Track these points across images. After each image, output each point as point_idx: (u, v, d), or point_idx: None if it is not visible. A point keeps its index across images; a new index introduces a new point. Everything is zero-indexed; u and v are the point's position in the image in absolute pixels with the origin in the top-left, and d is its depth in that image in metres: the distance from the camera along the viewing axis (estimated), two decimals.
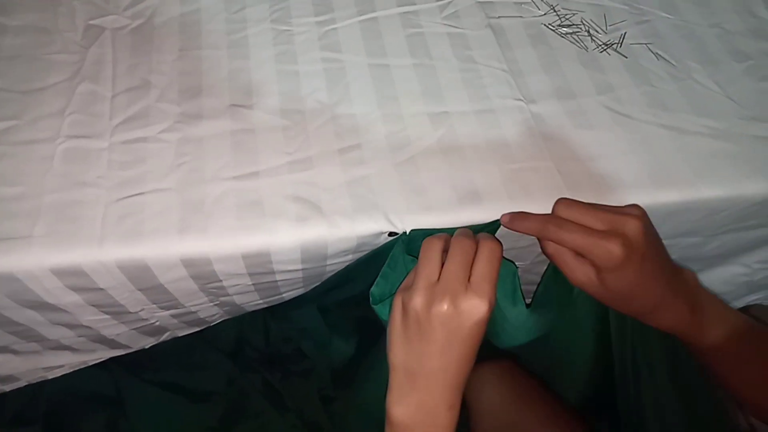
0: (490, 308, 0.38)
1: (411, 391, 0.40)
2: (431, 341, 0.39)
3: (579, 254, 0.41)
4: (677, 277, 0.44)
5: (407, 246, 0.49)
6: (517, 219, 0.45)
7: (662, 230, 0.57)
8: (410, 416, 0.40)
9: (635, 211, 0.41)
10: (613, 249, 0.38)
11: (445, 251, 0.42)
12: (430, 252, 0.41)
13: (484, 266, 0.39)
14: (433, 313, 0.38)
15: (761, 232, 0.61)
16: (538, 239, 0.44)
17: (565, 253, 0.42)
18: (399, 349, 0.41)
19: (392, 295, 0.46)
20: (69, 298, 0.49)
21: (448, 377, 0.40)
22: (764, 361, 0.45)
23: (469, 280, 0.39)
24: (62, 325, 0.54)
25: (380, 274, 0.48)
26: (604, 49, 0.64)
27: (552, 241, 0.42)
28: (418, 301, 0.39)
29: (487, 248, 0.40)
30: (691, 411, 0.55)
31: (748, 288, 0.75)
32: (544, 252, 0.44)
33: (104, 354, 0.63)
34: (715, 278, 0.71)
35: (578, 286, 0.42)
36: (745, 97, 0.60)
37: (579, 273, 0.41)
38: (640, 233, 0.40)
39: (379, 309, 0.48)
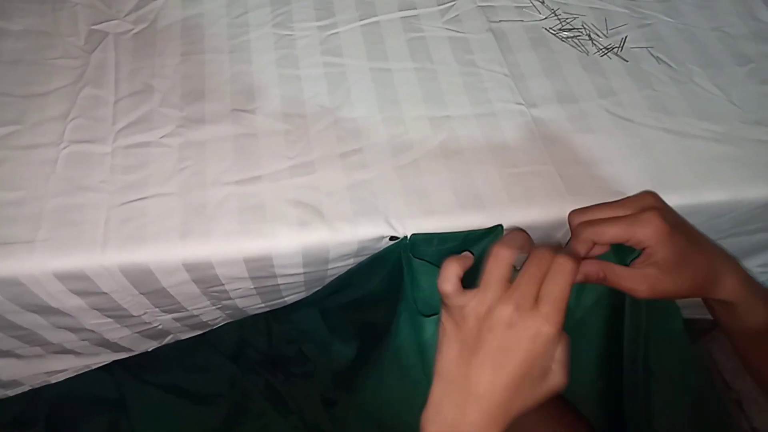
0: (554, 329, 0.35)
1: (449, 409, 0.38)
2: (485, 352, 0.36)
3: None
4: (719, 248, 0.45)
5: (412, 251, 0.49)
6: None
7: None
8: None
9: (643, 192, 0.43)
10: (651, 218, 0.40)
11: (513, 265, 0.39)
12: (499, 260, 0.38)
13: (554, 285, 0.37)
14: (495, 319, 0.36)
15: (763, 236, 0.61)
16: (594, 280, 0.44)
17: (617, 268, 0.43)
18: (448, 357, 0.39)
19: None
20: (72, 302, 0.49)
21: (494, 399, 0.36)
22: None
23: (538, 297, 0.37)
24: (65, 328, 0.54)
25: (404, 296, 0.48)
26: (605, 53, 0.64)
27: (591, 241, 0.42)
28: (479, 308, 0.37)
29: (559, 265, 0.37)
30: (699, 414, 0.55)
31: None
32: (603, 281, 0.43)
33: (107, 357, 0.63)
34: None
35: (645, 294, 0.42)
36: (747, 101, 0.60)
37: (637, 277, 0.42)
38: (661, 200, 0.43)
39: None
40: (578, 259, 0.41)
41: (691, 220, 0.55)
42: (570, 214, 0.44)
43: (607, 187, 0.53)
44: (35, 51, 0.58)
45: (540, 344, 0.36)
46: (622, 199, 0.43)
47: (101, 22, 0.61)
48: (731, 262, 0.45)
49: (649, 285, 0.42)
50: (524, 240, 0.41)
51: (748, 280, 0.45)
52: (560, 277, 0.37)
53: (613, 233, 0.41)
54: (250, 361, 0.91)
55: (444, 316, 0.40)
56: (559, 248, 0.39)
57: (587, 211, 0.44)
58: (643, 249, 0.42)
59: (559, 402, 0.63)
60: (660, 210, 0.42)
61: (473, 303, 0.37)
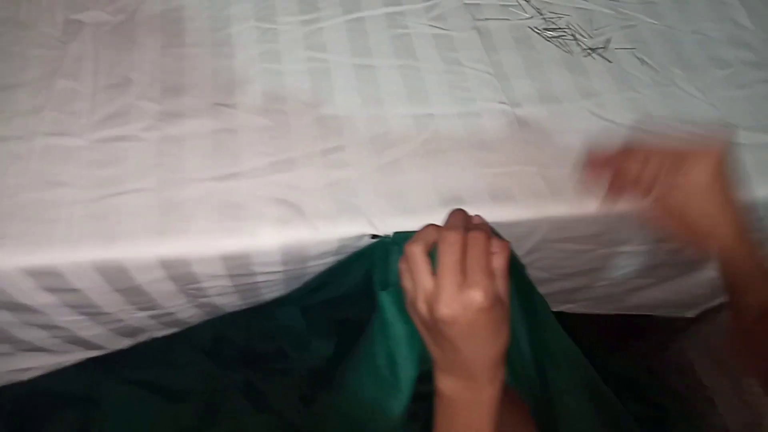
0: (485, 294, 0.39)
1: (452, 370, 0.43)
2: (448, 338, 0.41)
3: None
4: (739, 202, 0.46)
5: (393, 248, 0.49)
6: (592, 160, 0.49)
7: (644, 235, 0.58)
8: (456, 390, 0.43)
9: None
10: (709, 153, 0.43)
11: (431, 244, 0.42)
12: (414, 262, 0.41)
13: (472, 259, 0.40)
14: (436, 319, 0.40)
15: None
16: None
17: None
18: (432, 349, 0.44)
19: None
20: (44, 299, 0.48)
21: (480, 358, 0.42)
22: None
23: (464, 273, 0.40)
24: (36, 326, 0.53)
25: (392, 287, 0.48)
26: (589, 54, 0.64)
27: (644, 157, 0.45)
28: (422, 311, 0.41)
29: (471, 240, 0.41)
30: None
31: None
32: (620, 191, 0.47)
33: (80, 355, 0.62)
34: (692, 282, 0.72)
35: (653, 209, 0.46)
36: (725, 104, 0.61)
37: (662, 201, 0.45)
38: (717, 151, 0.44)
39: (384, 296, 0.48)
40: (488, 231, 0.43)
41: None
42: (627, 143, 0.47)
43: (588, 188, 0.53)
44: (9, 41, 0.57)
45: (479, 309, 0.39)
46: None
47: (79, 13, 0.60)
48: (744, 218, 0.46)
49: (672, 203, 0.45)
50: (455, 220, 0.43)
51: (749, 250, 0.46)
52: (477, 250, 0.40)
53: (664, 152, 0.45)
54: (227, 357, 0.90)
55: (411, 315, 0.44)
56: (467, 216, 0.44)
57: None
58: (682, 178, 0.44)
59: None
60: (714, 160, 0.43)
61: (417, 315, 0.41)
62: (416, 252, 0.41)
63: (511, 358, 0.56)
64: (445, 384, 0.43)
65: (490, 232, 0.43)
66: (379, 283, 0.50)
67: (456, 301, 0.39)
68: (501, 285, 0.41)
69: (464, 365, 0.42)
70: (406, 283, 0.42)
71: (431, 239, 0.42)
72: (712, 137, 0.45)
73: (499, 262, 0.41)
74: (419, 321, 0.43)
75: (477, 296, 0.38)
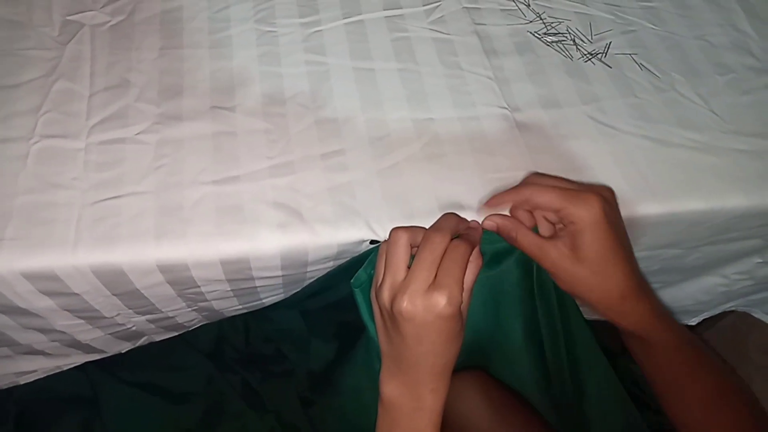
0: (450, 301, 0.39)
1: (397, 373, 0.43)
2: (401, 333, 0.41)
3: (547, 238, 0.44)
4: (640, 271, 0.45)
5: None
6: (493, 199, 0.47)
7: (644, 241, 0.57)
8: (397, 395, 0.43)
9: (601, 184, 0.45)
10: (593, 201, 0.41)
11: (416, 246, 0.43)
12: (395, 247, 0.41)
13: (448, 264, 0.40)
14: (396, 311, 0.40)
15: (741, 244, 0.62)
16: (504, 235, 0.46)
17: (536, 238, 0.44)
18: (381, 339, 0.44)
19: (370, 279, 0.46)
20: (42, 303, 0.48)
21: (427, 365, 0.42)
22: (699, 377, 0.46)
23: (435, 278, 0.40)
24: (35, 329, 0.53)
25: (364, 265, 0.48)
26: (589, 59, 0.64)
27: (529, 199, 0.44)
28: (384, 299, 0.41)
29: (452, 247, 0.41)
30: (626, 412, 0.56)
31: (726, 297, 0.75)
32: (513, 242, 0.45)
33: (79, 359, 0.61)
34: (694, 289, 0.72)
35: (551, 268, 0.44)
36: (727, 111, 0.61)
37: (553, 251, 0.43)
38: (614, 199, 0.43)
39: (357, 294, 0.48)
40: (474, 242, 0.43)
41: (671, 229, 0.56)
42: (530, 174, 0.46)
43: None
44: (6, 41, 0.56)
45: (441, 315, 0.39)
46: (584, 183, 0.44)
47: (77, 13, 0.59)
48: (649, 290, 0.45)
49: (557, 257, 0.43)
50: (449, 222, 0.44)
51: (661, 312, 0.45)
52: (456, 257, 0.40)
53: (549, 197, 0.42)
54: (227, 359, 0.90)
55: (372, 305, 0.44)
56: (460, 221, 0.45)
57: (545, 176, 0.46)
58: (569, 227, 0.42)
59: (530, 413, 0.63)
60: (605, 201, 0.42)
61: (380, 301, 0.41)
62: (401, 239, 0.41)
63: (545, 364, 0.56)
64: (389, 389, 0.44)
65: (478, 240, 0.44)
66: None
67: (420, 298, 0.39)
68: (466, 299, 0.41)
69: (410, 368, 0.42)
70: (380, 265, 0.43)
71: (419, 239, 0.42)
72: (601, 186, 0.45)
73: (470, 276, 0.42)
74: (378, 307, 0.43)
75: (441, 300, 0.39)
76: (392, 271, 0.41)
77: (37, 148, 0.50)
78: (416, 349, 0.41)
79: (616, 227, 0.42)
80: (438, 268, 0.40)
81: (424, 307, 0.39)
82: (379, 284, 0.42)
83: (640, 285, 0.44)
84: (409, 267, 0.41)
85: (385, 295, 0.41)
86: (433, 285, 0.39)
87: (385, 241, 0.43)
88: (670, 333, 0.45)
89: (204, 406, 0.86)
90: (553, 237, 0.44)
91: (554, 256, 0.43)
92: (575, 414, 0.55)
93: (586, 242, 0.41)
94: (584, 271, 0.42)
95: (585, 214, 0.41)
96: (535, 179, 0.46)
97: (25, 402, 0.80)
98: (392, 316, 0.40)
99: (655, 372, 0.48)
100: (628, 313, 0.45)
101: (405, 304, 0.39)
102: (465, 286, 0.41)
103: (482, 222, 0.47)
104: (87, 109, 0.53)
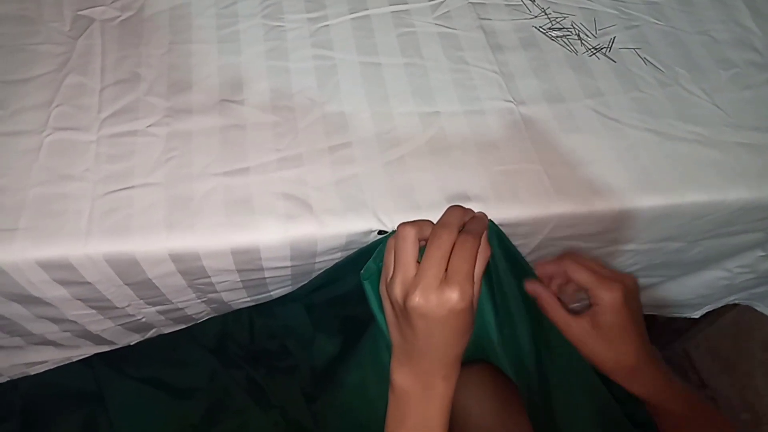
0: (462, 296, 0.40)
1: (409, 363, 0.44)
2: (413, 327, 0.41)
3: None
4: (651, 346, 0.51)
5: None
6: (538, 267, 0.52)
7: (647, 234, 0.58)
8: (409, 384, 0.44)
9: (630, 275, 0.50)
10: (615, 288, 0.47)
11: (423, 239, 0.43)
12: (404, 243, 0.42)
13: (458, 260, 0.41)
14: (408, 306, 0.40)
15: (743, 238, 0.62)
16: (540, 302, 0.51)
17: (565, 314, 0.49)
18: (393, 332, 0.45)
19: (379, 270, 0.47)
20: (55, 292, 0.49)
21: (438, 355, 0.43)
22: None
23: (446, 270, 0.41)
24: (47, 319, 0.53)
25: (373, 256, 0.49)
26: (594, 53, 0.64)
27: (567, 272, 0.49)
28: (396, 294, 0.42)
29: (461, 241, 0.42)
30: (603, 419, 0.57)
31: (728, 291, 0.76)
32: (546, 312, 0.50)
33: (88, 350, 0.62)
34: (696, 282, 0.72)
35: (574, 340, 0.50)
36: (730, 105, 0.61)
37: (577, 326, 0.49)
38: (636, 288, 0.49)
39: (366, 285, 0.49)
40: (480, 234, 0.44)
41: (673, 221, 0.57)
42: (566, 253, 0.51)
43: (593, 186, 0.54)
44: (17, 36, 0.57)
45: (453, 309, 0.40)
46: (614, 270, 0.50)
47: (87, 8, 0.60)
48: (658, 363, 0.51)
49: (580, 332, 0.49)
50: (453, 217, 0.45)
51: (669, 381, 0.50)
52: (465, 253, 0.41)
53: (584, 276, 0.48)
54: (231, 354, 0.91)
55: (382, 298, 0.45)
56: (465, 213, 0.46)
57: (581, 257, 0.51)
58: (593, 306, 0.48)
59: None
60: (627, 289, 0.47)
61: (392, 296, 0.42)
62: (409, 235, 0.42)
63: (510, 349, 0.57)
64: (400, 377, 0.45)
65: (484, 231, 0.44)
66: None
67: (433, 294, 0.40)
68: (477, 291, 0.42)
69: (421, 358, 0.43)
70: (389, 259, 0.43)
71: (426, 232, 0.43)
72: (627, 275, 0.49)
73: (479, 269, 0.42)
74: (389, 303, 0.44)
75: (454, 296, 0.39)
76: (403, 267, 0.41)
77: (50, 141, 0.50)
78: (428, 341, 0.42)
79: (633, 312, 0.48)
80: (448, 263, 0.41)
81: (437, 303, 0.40)
82: (389, 279, 0.43)
83: (650, 359, 0.50)
84: (418, 261, 0.41)
85: (397, 290, 0.41)
86: (445, 281, 0.40)
87: (393, 234, 0.44)
88: (679, 399, 0.50)
89: (208, 401, 0.86)
90: (578, 315, 0.49)
91: (577, 331, 0.49)
92: (542, 403, 0.56)
93: (606, 321, 0.47)
94: (602, 346, 0.48)
95: (608, 298, 0.47)
96: (575, 257, 0.50)
97: (30, 395, 0.80)
98: (405, 312, 0.41)
99: None
100: (640, 382, 0.50)
101: (418, 299, 0.40)
102: (475, 279, 0.41)
103: (528, 286, 0.52)
104: (98, 102, 0.54)
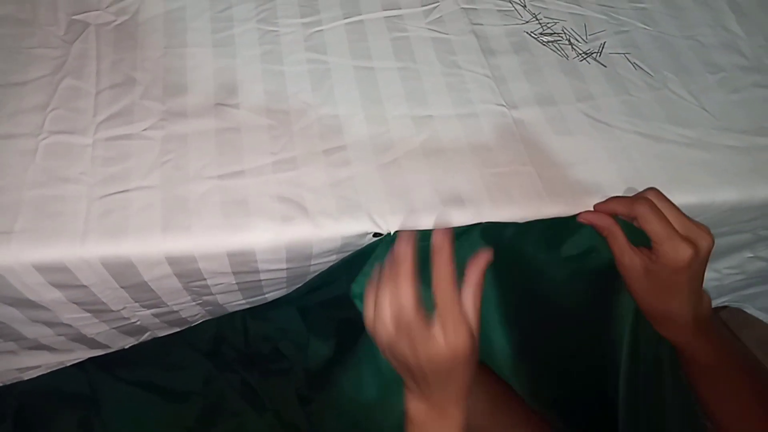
0: (470, 345, 0.40)
1: (422, 396, 0.44)
2: (423, 376, 0.42)
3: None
4: (700, 297, 0.48)
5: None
6: (607, 203, 0.50)
7: None
8: (423, 412, 0.44)
9: (709, 233, 0.46)
10: (683, 252, 0.44)
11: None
12: (404, 300, 0.40)
13: (464, 314, 0.41)
14: (422, 362, 0.40)
15: (731, 239, 0.63)
16: (599, 229, 0.49)
17: (622, 237, 0.47)
18: (403, 375, 0.44)
19: None
20: (50, 295, 0.49)
21: (451, 390, 0.43)
22: (741, 392, 0.49)
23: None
24: (42, 323, 0.53)
25: (362, 272, 0.49)
26: (584, 58, 0.65)
27: (638, 219, 0.45)
28: (406, 354, 0.41)
29: (465, 297, 0.42)
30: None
31: (717, 292, 0.77)
32: (606, 234, 0.48)
33: (82, 354, 0.62)
34: None
35: (622, 270, 0.47)
36: (718, 108, 0.62)
37: (628, 258, 0.47)
38: (709, 251, 0.45)
39: (360, 304, 0.49)
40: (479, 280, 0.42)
41: None
42: (652, 189, 0.48)
43: (584, 188, 0.54)
44: (13, 39, 0.57)
45: (465, 358, 0.41)
46: (691, 220, 0.47)
47: (82, 12, 0.60)
48: (698, 315, 0.48)
49: (632, 267, 0.46)
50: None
51: (698, 336, 0.48)
52: (470, 306, 0.41)
53: (658, 229, 0.44)
54: (226, 358, 0.91)
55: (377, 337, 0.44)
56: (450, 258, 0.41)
57: (664, 201, 0.47)
58: (653, 254, 0.45)
59: (525, 406, 0.64)
60: (697, 253, 0.44)
61: (397, 350, 0.41)
62: (407, 290, 0.40)
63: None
64: (416, 409, 0.45)
65: (482, 275, 0.43)
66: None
67: (444, 349, 0.40)
68: (477, 324, 0.42)
69: (432, 393, 0.43)
70: (383, 295, 0.41)
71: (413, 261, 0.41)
72: (704, 234, 0.46)
73: (477, 305, 0.42)
74: (394, 357, 0.43)
75: (462, 346, 0.40)
76: (406, 326, 0.40)
77: (46, 144, 0.50)
78: (439, 383, 0.42)
79: (693, 274, 0.45)
80: (451, 318, 0.40)
81: (447, 357, 0.40)
82: (392, 334, 0.41)
83: (688, 314, 0.47)
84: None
85: (407, 351, 0.41)
86: (453, 335, 0.40)
87: (386, 276, 0.42)
88: (707, 350, 0.48)
89: (203, 404, 0.86)
90: (636, 249, 0.47)
91: (629, 264, 0.47)
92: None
93: (660, 275, 0.45)
94: (645, 290, 0.47)
95: (672, 258, 0.44)
96: (654, 198, 0.47)
97: (25, 399, 0.80)
98: (417, 364, 0.41)
99: (697, 387, 0.50)
100: (670, 329, 0.49)
101: (429, 357, 0.40)
102: (473, 315, 0.42)
103: (581, 214, 0.51)
104: (94, 106, 0.54)
